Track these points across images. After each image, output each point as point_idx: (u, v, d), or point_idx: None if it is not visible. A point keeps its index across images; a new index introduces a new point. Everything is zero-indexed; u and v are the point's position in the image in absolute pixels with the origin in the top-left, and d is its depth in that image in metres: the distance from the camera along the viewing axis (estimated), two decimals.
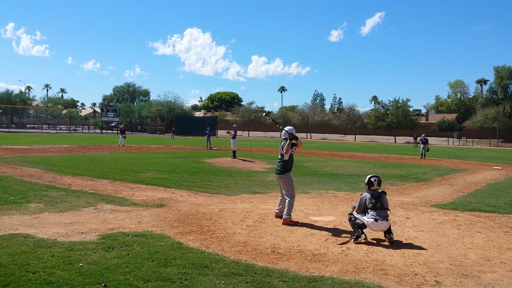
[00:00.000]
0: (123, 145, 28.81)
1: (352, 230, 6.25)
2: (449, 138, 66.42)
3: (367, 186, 6.27)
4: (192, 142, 40.44)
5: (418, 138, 26.21)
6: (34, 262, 4.58)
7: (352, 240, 6.01)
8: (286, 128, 7.19)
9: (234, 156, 19.87)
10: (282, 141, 7.40)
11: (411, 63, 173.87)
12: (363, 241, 5.93)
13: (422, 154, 25.29)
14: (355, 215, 6.15)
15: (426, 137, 26.27)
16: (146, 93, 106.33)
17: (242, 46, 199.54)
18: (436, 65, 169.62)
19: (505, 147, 56.47)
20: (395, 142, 63.15)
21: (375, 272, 4.70)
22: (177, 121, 70.37)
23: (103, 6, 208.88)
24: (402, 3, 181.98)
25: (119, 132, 30.62)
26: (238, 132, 21.32)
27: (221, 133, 70.81)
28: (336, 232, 6.56)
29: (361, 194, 6.30)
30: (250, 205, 8.58)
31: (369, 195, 6.13)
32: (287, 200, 7.08)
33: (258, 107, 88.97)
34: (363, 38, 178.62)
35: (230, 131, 20.95)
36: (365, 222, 5.98)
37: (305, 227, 6.81)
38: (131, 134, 62.18)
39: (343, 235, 6.37)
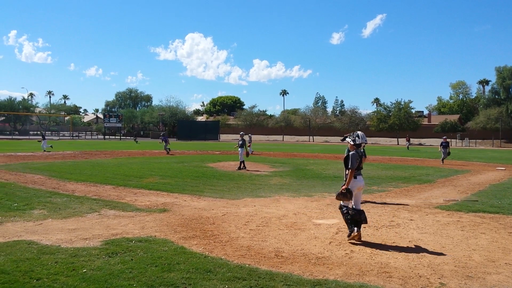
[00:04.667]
0: (169, 151, 27.54)
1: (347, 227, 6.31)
2: (452, 139, 66.20)
3: (354, 145, 6.22)
4: (195, 146, 40.48)
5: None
6: (38, 268, 4.58)
7: (347, 239, 6.11)
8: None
9: (240, 168, 17.19)
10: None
11: (413, 64, 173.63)
12: (356, 233, 6.02)
13: (443, 159, 22.77)
14: (346, 207, 6.21)
15: (447, 140, 23.56)
16: (148, 99, 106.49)
17: (244, 50, 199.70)
18: (437, 66, 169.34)
19: (508, 148, 56.29)
20: (398, 144, 63.00)
21: (380, 275, 4.68)
22: (179, 125, 70.52)
23: (104, 13, 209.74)
24: (403, 5, 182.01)
25: (161, 140, 28.54)
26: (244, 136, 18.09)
27: (223, 137, 70.89)
28: (339, 235, 6.54)
29: (349, 153, 6.22)
30: (253, 209, 8.57)
31: (356, 154, 6.17)
32: None
33: (260, 111, 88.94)
34: (364, 41, 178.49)
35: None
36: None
37: (308, 231, 6.79)
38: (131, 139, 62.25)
39: (347, 238, 6.36)
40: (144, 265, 4.77)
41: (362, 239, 6.20)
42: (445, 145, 22.99)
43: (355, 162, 6.11)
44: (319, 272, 4.76)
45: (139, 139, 56.95)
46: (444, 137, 24.51)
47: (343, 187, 6.13)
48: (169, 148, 27.91)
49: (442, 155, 22.83)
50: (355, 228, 6.07)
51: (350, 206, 6.28)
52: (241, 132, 18.80)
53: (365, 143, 6.31)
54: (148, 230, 6.55)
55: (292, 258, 5.25)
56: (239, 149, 17.43)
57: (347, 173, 6.24)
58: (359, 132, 6.36)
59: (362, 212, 6.25)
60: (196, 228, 6.76)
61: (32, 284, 4.13)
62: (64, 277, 4.33)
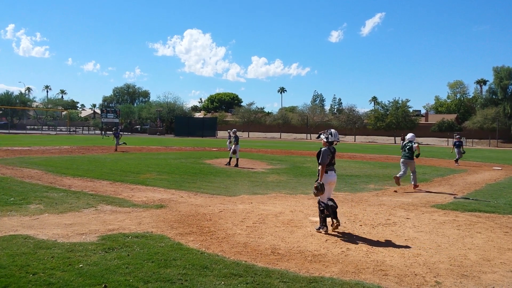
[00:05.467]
0: (120, 145, 25.77)
1: (323, 220, 6.59)
2: (449, 139, 66.32)
3: (327, 143, 6.66)
4: (192, 143, 40.43)
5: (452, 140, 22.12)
6: (34, 263, 4.58)
7: (315, 229, 6.59)
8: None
9: (236, 165, 17.17)
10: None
11: (411, 63, 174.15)
12: (323, 233, 6.44)
13: (457, 159, 21.43)
14: (324, 204, 6.49)
15: (461, 139, 22.12)
16: (146, 94, 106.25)
17: (242, 47, 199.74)
18: (435, 65, 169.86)
19: (504, 148, 56.48)
20: (395, 143, 63.09)
21: (375, 273, 4.70)
22: (177, 122, 70.37)
23: (103, 8, 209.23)
24: (402, 4, 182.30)
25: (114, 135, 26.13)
26: (237, 133, 17.82)
27: (221, 134, 70.81)
28: (336, 232, 6.56)
29: (321, 149, 6.66)
30: (250, 206, 8.58)
31: (328, 150, 6.61)
32: None
33: (258, 108, 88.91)
34: (363, 39, 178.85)
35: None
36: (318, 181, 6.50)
37: (304, 228, 6.81)
38: (131, 135, 62.10)
39: (343, 235, 6.38)
40: (140, 260, 4.77)
41: (359, 236, 6.25)
42: (458, 144, 21.74)
43: (326, 157, 6.56)
44: (315, 269, 4.77)
45: (138, 136, 56.81)
46: (457, 136, 22.91)
47: (316, 182, 6.51)
48: (124, 143, 26.86)
49: (457, 155, 21.55)
50: (325, 228, 6.51)
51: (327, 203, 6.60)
52: (234, 129, 18.82)
53: (338, 141, 6.76)
54: (145, 226, 6.55)
55: (288, 255, 5.27)
56: (235, 146, 17.40)
57: (319, 168, 6.67)
58: (332, 130, 6.80)
59: (332, 200, 6.59)
60: (193, 225, 6.76)
61: (28, 279, 4.13)
62: (60, 272, 4.33)
